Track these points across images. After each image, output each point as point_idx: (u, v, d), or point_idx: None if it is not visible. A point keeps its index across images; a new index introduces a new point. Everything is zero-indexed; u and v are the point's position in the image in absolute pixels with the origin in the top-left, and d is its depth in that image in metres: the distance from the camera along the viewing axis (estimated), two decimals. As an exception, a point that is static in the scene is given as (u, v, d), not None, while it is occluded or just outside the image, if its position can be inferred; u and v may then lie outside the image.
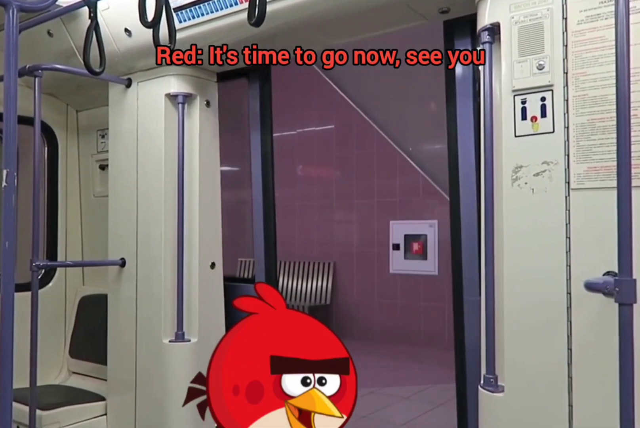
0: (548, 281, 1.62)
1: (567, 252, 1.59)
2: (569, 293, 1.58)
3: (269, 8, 1.66)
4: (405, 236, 7.31)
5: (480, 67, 1.80)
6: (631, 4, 1.43)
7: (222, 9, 2.15)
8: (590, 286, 1.42)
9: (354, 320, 7.69)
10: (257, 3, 1.55)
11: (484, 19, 1.78)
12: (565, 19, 1.63)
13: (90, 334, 3.07)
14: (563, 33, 1.63)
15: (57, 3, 2.23)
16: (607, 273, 1.49)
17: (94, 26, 2.02)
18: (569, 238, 1.59)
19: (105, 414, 2.78)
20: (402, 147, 7.40)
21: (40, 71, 2.46)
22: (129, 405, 2.65)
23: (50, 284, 3.16)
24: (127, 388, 2.65)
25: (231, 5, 2.12)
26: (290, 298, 8.00)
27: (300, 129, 8.43)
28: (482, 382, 1.73)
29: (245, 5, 1.65)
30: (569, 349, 1.57)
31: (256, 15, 1.59)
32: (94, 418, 2.76)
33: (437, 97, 7.64)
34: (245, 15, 1.66)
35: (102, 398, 2.81)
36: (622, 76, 1.33)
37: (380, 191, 7.57)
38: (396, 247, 7.40)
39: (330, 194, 8.05)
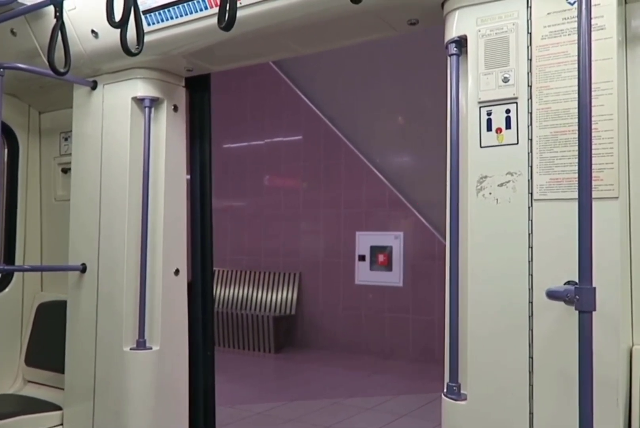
0: (510, 290, 1.64)
1: (529, 261, 1.62)
2: (530, 302, 1.60)
3: (239, 13, 1.66)
4: (371, 247, 7.35)
5: (447, 78, 1.82)
6: (593, 21, 1.48)
7: (191, 13, 2.13)
8: (552, 295, 1.45)
9: (319, 330, 7.66)
10: (228, 7, 1.54)
11: (452, 32, 1.81)
12: (530, 33, 1.67)
13: (47, 342, 2.97)
14: (528, 47, 1.67)
15: (21, 1, 2.19)
16: (568, 283, 1.52)
17: (60, 26, 1.99)
18: (532, 247, 1.62)
19: (62, 424, 2.70)
20: (369, 159, 7.46)
21: (1, 70, 2.40)
22: (86, 415, 2.57)
23: (7, 289, 3.06)
24: (84, 397, 2.58)
25: (201, 10, 2.11)
26: (255, 309, 7.94)
27: (269, 139, 8.43)
28: (445, 390, 1.74)
29: (216, 9, 1.64)
30: (531, 357, 1.59)
31: (226, 19, 1.58)
32: None
33: (405, 110, 7.76)
34: (215, 20, 1.65)
35: (59, 408, 2.72)
36: (583, 91, 1.36)
37: (346, 202, 7.60)
38: (362, 258, 7.42)
39: (297, 204, 8.04)
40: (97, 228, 2.60)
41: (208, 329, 2.78)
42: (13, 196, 3.10)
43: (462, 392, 1.71)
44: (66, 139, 3.05)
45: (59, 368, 2.73)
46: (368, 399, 5.34)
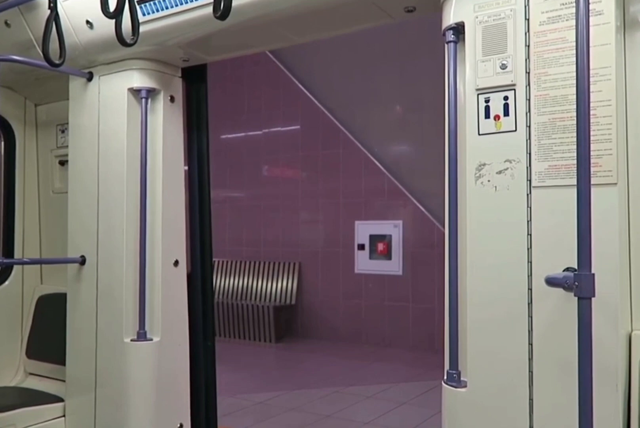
0: (509, 277, 1.64)
1: (528, 249, 1.62)
2: (530, 289, 1.61)
3: (235, 2, 1.65)
4: (371, 236, 7.36)
5: (445, 66, 1.81)
6: (591, 7, 1.47)
7: (187, 2, 2.11)
8: (551, 281, 1.45)
9: (319, 319, 7.70)
10: (223, -4, 1.53)
11: (449, 19, 1.79)
12: (528, 19, 1.66)
13: (48, 334, 2.98)
14: (525, 34, 1.66)
15: (15, -8, 2.17)
16: (567, 269, 1.52)
17: (54, 17, 1.97)
18: (530, 234, 1.62)
19: (64, 416, 2.71)
20: (367, 148, 7.45)
21: None
22: (88, 406, 2.59)
23: (7, 282, 3.06)
24: (86, 388, 2.59)
25: (196, -1, 2.09)
26: (255, 299, 7.96)
27: (267, 129, 8.40)
28: (445, 377, 1.75)
29: (211, -1, 1.63)
30: (530, 344, 1.60)
31: (221, 8, 1.57)
32: (52, 420, 2.68)
33: (403, 99, 7.74)
34: (210, 9, 1.64)
35: (61, 400, 2.74)
36: (582, 77, 1.35)
37: (345, 191, 7.60)
38: (361, 247, 7.43)
39: (296, 194, 8.04)
40: (96, 220, 2.60)
41: (208, 319, 2.79)
42: (11, 189, 3.09)
43: (462, 379, 1.72)
44: (63, 132, 3.04)
45: (60, 360, 2.73)
46: (368, 387, 5.37)
